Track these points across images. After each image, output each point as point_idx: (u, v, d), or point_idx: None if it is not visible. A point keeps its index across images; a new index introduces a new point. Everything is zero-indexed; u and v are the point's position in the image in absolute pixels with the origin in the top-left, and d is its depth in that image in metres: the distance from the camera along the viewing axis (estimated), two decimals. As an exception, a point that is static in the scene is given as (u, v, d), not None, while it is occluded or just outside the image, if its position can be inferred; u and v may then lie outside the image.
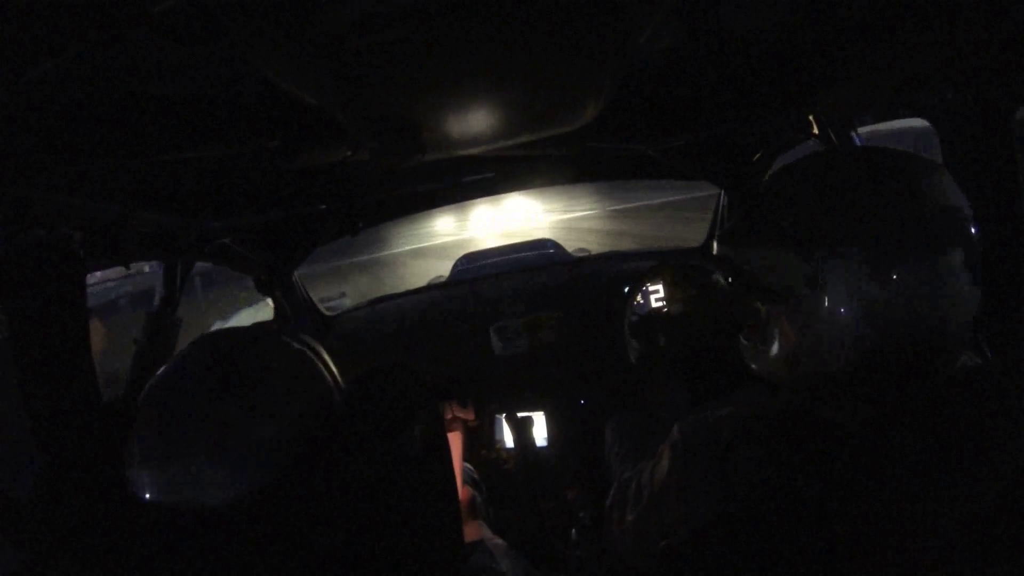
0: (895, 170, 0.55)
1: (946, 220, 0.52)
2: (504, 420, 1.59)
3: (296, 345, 0.60)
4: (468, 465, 1.23)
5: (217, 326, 4.42)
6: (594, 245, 7.58)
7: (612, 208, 12.86)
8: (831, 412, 0.54)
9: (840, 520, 0.49)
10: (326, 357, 0.62)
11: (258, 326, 1.59)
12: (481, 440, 1.61)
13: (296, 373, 0.57)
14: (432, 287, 2.46)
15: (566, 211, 13.63)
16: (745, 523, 0.54)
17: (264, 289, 1.61)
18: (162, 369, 0.56)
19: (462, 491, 1.06)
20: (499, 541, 0.88)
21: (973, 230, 0.53)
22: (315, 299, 1.85)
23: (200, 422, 0.50)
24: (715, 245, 0.69)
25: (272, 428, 0.51)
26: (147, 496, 0.50)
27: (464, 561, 0.73)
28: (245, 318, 5.65)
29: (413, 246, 13.32)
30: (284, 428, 0.52)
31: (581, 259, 2.59)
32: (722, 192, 1.66)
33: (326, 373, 0.60)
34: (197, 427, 0.50)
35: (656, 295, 1.67)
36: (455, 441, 1.17)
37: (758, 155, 1.41)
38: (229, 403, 0.51)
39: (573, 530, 1.35)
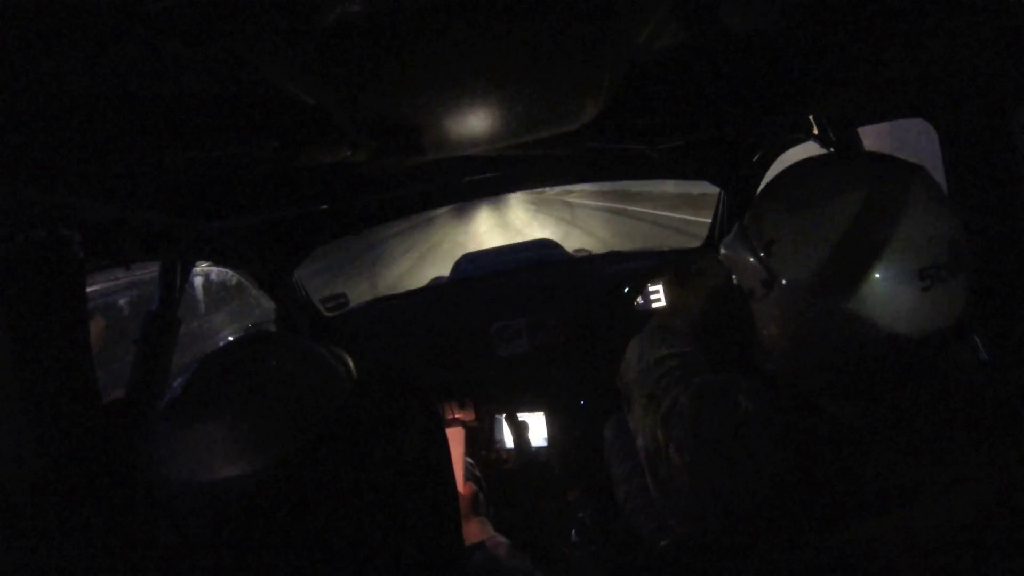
0: (878, 177, 0.56)
1: (924, 228, 0.53)
2: (504, 420, 1.59)
3: (318, 350, 0.60)
4: (469, 460, 1.23)
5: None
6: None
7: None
8: (832, 408, 0.55)
9: (840, 514, 0.49)
10: (349, 362, 0.62)
11: (267, 331, 1.59)
12: (481, 441, 1.61)
13: (319, 377, 0.57)
14: (432, 287, 2.46)
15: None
16: (747, 517, 0.54)
17: (264, 289, 1.62)
18: (180, 377, 0.56)
19: (464, 488, 1.05)
20: (502, 540, 0.88)
21: (958, 237, 0.54)
22: (315, 299, 1.85)
23: (213, 425, 0.50)
24: (722, 248, 0.70)
25: (287, 429, 0.51)
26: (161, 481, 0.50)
27: (464, 563, 0.73)
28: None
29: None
30: (295, 431, 0.52)
31: (581, 259, 2.58)
32: (722, 192, 1.66)
33: (344, 376, 0.60)
34: (212, 429, 0.50)
35: (656, 295, 1.67)
36: (457, 438, 1.16)
37: (758, 155, 1.41)
38: (246, 404, 0.51)
39: (573, 530, 1.35)
